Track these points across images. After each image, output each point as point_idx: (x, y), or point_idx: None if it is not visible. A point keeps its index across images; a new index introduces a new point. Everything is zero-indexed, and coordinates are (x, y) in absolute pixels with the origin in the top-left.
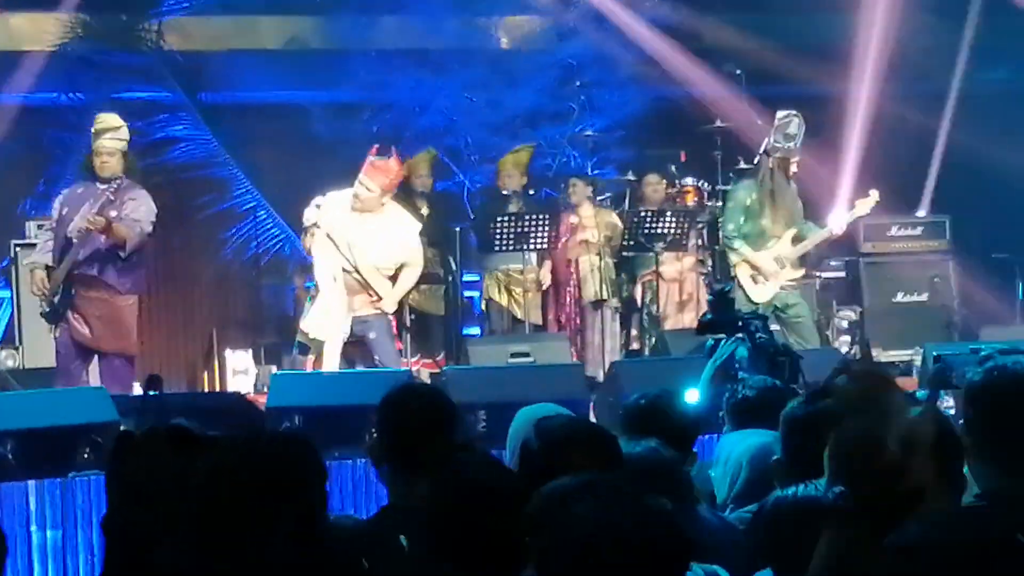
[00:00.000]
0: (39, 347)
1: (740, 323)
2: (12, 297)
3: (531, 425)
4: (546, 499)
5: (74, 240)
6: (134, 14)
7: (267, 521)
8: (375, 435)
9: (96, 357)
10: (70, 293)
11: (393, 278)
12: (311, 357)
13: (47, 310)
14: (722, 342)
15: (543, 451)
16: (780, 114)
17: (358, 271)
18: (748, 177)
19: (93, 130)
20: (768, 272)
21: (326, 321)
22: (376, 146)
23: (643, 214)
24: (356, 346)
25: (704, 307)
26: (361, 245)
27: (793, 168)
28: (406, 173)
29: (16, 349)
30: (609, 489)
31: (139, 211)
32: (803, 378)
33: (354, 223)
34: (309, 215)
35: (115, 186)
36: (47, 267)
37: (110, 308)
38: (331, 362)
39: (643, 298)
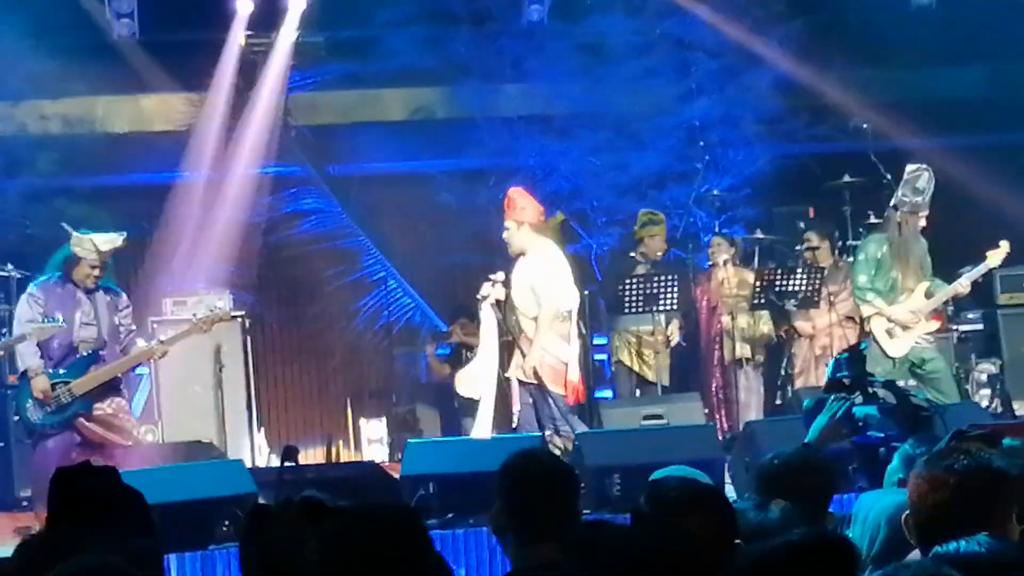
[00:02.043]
0: (178, 422)
1: (867, 383)
2: (150, 373)
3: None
4: None
5: (102, 353)
6: (261, 91)
7: None
8: (495, 504)
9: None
10: (87, 403)
11: None
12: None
13: (40, 419)
14: (828, 400)
15: (655, 515)
16: (910, 168)
17: (518, 324)
18: (878, 231)
19: (102, 248)
20: (905, 323)
21: (474, 383)
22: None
23: (775, 271)
24: None
25: None
26: (514, 292)
27: (921, 223)
28: None
29: (155, 424)
30: None
31: (130, 317)
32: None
33: (514, 274)
34: (484, 289)
35: (109, 296)
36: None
37: (122, 404)
38: (483, 422)
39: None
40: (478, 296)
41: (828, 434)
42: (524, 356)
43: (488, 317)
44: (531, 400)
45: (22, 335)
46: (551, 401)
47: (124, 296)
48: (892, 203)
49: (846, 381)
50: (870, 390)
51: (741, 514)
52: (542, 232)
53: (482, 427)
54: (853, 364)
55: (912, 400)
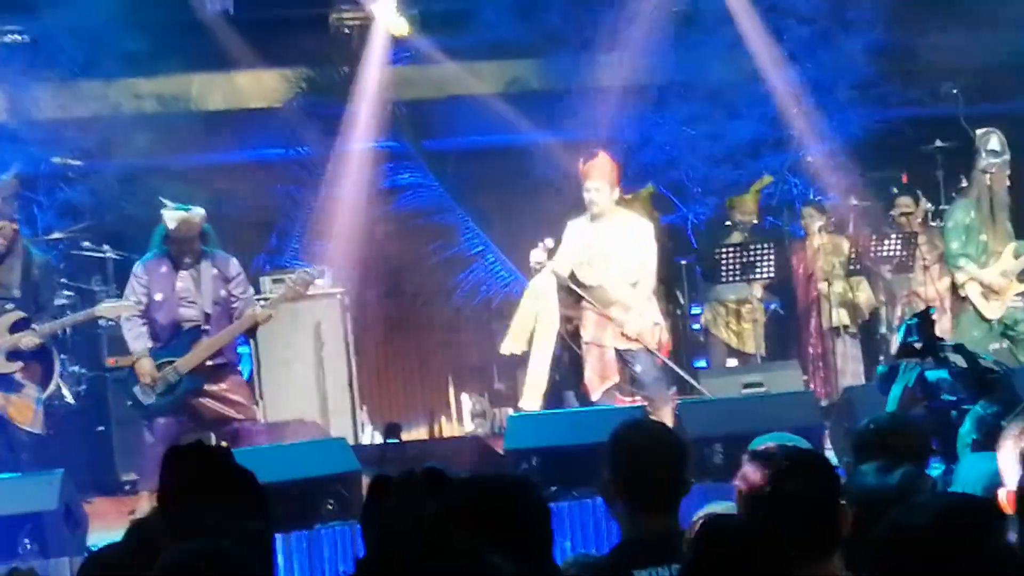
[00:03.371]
0: (279, 401)
1: (938, 347)
2: (251, 352)
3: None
4: None
5: (205, 328)
6: (356, 66)
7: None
8: (605, 473)
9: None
10: (196, 380)
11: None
12: None
13: (152, 401)
14: (901, 367)
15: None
16: (979, 132)
17: (603, 289)
18: (964, 196)
19: (170, 226)
20: (998, 286)
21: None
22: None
23: (870, 237)
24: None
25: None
26: (601, 259)
27: (1001, 182)
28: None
29: (257, 404)
30: None
31: (248, 287)
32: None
33: (592, 239)
34: (537, 256)
35: (216, 266)
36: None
37: (237, 379)
38: (533, 391)
39: (903, 318)
40: (533, 265)
41: (906, 402)
42: (618, 322)
43: (548, 285)
44: (632, 365)
45: (90, 312)
46: (657, 363)
47: (234, 262)
48: (980, 168)
49: (917, 346)
50: (941, 354)
51: (861, 477)
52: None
53: (531, 397)
54: (923, 328)
55: (981, 362)
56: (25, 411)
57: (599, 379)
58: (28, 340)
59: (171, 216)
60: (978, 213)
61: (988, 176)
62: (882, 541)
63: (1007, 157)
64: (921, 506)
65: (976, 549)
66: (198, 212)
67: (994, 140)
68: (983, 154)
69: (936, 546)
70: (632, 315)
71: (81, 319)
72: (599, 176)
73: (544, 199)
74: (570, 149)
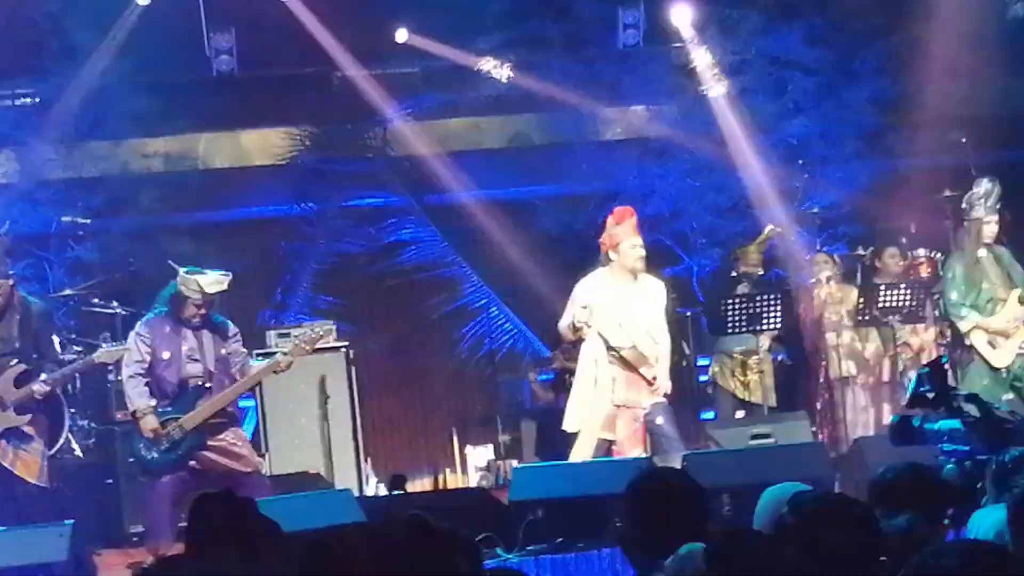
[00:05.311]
0: (285, 454)
1: (951, 397)
2: (257, 406)
3: (780, 504)
4: None
5: (208, 386)
6: (359, 123)
7: None
8: (624, 522)
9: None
10: (199, 437)
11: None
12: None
13: (155, 456)
14: (915, 419)
15: (798, 526)
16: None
17: (634, 348)
18: (959, 247)
19: (207, 290)
20: (1004, 331)
21: (583, 413)
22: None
23: (879, 288)
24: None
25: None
26: (630, 319)
27: (989, 230)
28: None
29: (263, 456)
30: None
31: (241, 343)
32: None
33: (618, 298)
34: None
35: (217, 330)
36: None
37: (239, 433)
38: (583, 454)
39: (892, 372)
40: (580, 323)
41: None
42: (652, 379)
43: (598, 343)
44: (652, 418)
45: (90, 359)
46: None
47: (231, 325)
48: (970, 217)
49: (929, 395)
50: (954, 403)
51: None
52: None
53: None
54: (935, 378)
55: (996, 413)
56: (32, 465)
57: (631, 444)
58: (40, 388)
59: (209, 280)
60: (973, 262)
61: (974, 224)
62: None
63: (990, 203)
64: (946, 550)
65: None
66: (228, 275)
67: (981, 189)
68: (965, 203)
69: None
70: (659, 373)
71: (82, 366)
72: (637, 233)
73: (547, 252)
74: (573, 203)
